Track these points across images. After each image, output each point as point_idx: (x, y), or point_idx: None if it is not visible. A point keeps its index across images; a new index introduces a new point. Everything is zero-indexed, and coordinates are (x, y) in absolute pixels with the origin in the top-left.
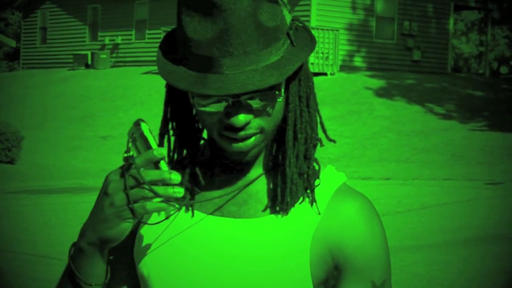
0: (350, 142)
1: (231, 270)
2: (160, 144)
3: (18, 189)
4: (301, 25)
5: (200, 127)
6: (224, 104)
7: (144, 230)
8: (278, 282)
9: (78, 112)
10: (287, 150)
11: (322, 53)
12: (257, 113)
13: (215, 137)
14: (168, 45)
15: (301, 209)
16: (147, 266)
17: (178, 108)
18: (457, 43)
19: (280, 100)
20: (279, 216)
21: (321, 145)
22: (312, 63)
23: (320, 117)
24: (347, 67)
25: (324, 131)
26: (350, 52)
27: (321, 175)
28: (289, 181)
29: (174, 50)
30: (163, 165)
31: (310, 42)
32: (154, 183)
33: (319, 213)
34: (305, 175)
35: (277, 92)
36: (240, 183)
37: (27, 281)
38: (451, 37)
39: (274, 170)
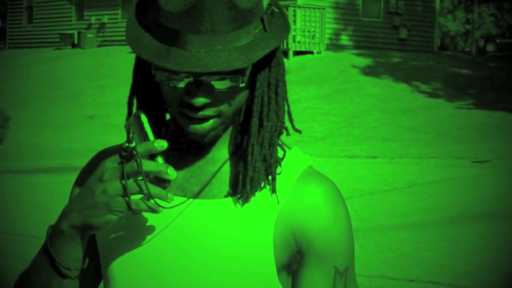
0: (336, 121)
1: (193, 251)
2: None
3: (4, 169)
4: (277, 10)
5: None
6: (185, 81)
7: None
8: (241, 263)
9: (64, 92)
10: (251, 136)
11: (309, 31)
12: (218, 96)
13: (174, 114)
14: (139, 11)
15: (265, 192)
16: (108, 248)
17: (144, 78)
18: (444, 21)
19: (243, 85)
20: (242, 199)
21: (287, 134)
22: (299, 42)
23: (288, 106)
24: (333, 45)
25: (291, 120)
26: (337, 30)
27: (287, 158)
28: (251, 169)
29: (144, 17)
30: (160, 159)
31: (283, 30)
32: (149, 174)
33: (278, 202)
34: (268, 162)
35: (241, 77)
36: (202, 163)
37: (12, 260)
38: (437, 15)
39: (239, 154)
